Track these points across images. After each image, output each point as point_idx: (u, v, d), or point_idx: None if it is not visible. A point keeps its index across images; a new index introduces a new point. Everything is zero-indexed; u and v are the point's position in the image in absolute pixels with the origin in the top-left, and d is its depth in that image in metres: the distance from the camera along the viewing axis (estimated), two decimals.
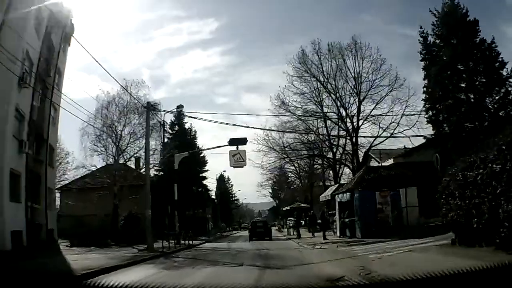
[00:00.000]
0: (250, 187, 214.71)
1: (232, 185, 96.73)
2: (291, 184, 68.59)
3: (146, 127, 22.35)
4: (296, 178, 50.10)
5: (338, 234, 21.18)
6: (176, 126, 46.89)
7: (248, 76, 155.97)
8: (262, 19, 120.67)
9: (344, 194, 20.20)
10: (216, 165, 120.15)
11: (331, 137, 29.89)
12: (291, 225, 57.77)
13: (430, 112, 28.91)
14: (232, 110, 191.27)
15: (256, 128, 30.27)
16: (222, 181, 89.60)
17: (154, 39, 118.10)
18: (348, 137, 28.50)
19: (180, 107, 29.71)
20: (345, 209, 20.59)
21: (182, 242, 23.99)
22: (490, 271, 2.44)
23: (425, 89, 29.26)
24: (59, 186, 43.41)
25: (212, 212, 68.70)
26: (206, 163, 50.14)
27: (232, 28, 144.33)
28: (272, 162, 30.27)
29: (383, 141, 28.66)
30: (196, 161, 47.71)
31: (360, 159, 29.98)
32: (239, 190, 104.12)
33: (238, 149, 23.76)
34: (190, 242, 25.02)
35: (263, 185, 50.89)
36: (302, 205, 36.65)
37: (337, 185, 25.32)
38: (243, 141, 24.07)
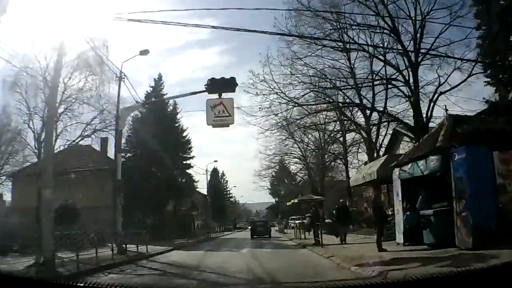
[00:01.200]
0: (247, 186, 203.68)
1: (227, 181, 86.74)
2: (293, 177, 58.94)
3: (57, 56, 12.42)
4: (302, 167, 40.14)
5: (400, 239, 11.43)
6: (153, 99, 37.10)
7: (246, 75, 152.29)
8: (260, 19, 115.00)
9: (421, 163, 10.29)
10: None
11: (372, 78, 19.27)
12: (294, 225, 47.83)
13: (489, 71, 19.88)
14: None
15: (260, 32, 17.41)
16: (215, 175, 79.81)
17: (153, 37, 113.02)
18: (400, 77, 18.05)
19: (144, 52, 20.07)
20: (416, 193, 10.91)
21: (134, 249, 14.62)
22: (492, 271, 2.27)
23: (480, 41, 19.93)
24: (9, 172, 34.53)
25: (201, 209, 59.13)
26: (191, 148, 40.32)
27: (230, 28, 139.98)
28: (275, 116, 19.01)
29: (459, 84, 18.37)
30: (177, 144, 37.98)
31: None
32: (235, 187, 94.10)
33: (222, 97, 14.77)
34: (146, 249, 15.46)
35: (261, 175, 40.88)
36: (315, 197, 26.86)
37: (384, 157, 15.65)
38: (229, 84, 14.96)
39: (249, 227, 37.50)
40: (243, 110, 19.02)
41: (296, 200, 25.94)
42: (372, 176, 13.84)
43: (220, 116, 14.74)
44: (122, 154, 34.78)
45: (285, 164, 41.99)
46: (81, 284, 2.48)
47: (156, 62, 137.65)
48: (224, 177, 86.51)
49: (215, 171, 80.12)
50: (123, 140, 34.57)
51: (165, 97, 35.68)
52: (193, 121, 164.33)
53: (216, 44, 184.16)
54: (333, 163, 34.26)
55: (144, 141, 34.84)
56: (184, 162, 39.96)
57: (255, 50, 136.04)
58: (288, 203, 31.51)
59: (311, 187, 36.47)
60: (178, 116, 39.25)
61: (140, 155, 34.03)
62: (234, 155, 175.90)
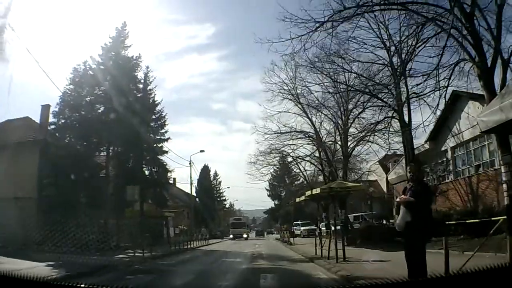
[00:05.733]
0: (245, 193, 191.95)
1: (220, 182, 76.05)
2: (295, 177, 48.71)
3: None
4: (312, 154, 29.44)
5: None
6: (112, 53, 26.85)
7: (244, 82, 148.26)
8: (258, 25, 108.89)
9: None
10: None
11: None
12: (300, 232, 36.41)
13: None
14: (227, 116, 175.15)
15: None
16: (205, 174, 69.35)
17: (151, 42, 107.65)
18: None
19: None
20: None
21: None
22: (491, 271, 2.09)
23: None
24: None
25: (188, 212, 48.67)
26: (165, 123, 29.98)
27: (229, 34, 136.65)
28: None
29: None
30: (145, 117, 27.47)
31: None
32: (228, 187, 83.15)
33: None
34: None
35: (258, 162, 29.79)
36: (350, 184, 16.23)
37: None
38: None
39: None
40: None
41: (317, 190, 15.44)
42: None
43: None
44: (53, 120, 24.35)
45: (290, 152, 31.45)
46: (82, 285, 2.43)
47: (154, 67, 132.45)
48: (217, 177, 75.92)
49: (205, 169, 69.75)
50: (56, 100, 24.16)
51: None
52: (190, 126, 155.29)
53: (214, 49, 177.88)
54: (361, 143, 23.93)
55: (91, 107, 24.38)
56: (156, 145, 29.52)
57: (251, 56, 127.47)
58: (298, 199, 21.16)
59: (327, 176, 26.12)
60: (151, 84, 29.13)
61: (81, 123, 23.43)
62: (232, 162, 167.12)
